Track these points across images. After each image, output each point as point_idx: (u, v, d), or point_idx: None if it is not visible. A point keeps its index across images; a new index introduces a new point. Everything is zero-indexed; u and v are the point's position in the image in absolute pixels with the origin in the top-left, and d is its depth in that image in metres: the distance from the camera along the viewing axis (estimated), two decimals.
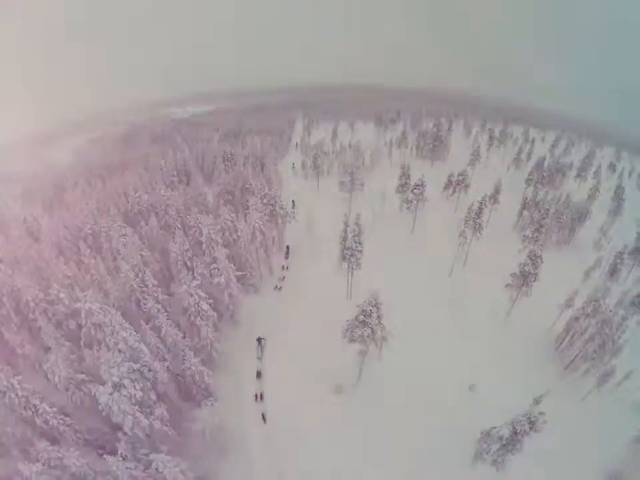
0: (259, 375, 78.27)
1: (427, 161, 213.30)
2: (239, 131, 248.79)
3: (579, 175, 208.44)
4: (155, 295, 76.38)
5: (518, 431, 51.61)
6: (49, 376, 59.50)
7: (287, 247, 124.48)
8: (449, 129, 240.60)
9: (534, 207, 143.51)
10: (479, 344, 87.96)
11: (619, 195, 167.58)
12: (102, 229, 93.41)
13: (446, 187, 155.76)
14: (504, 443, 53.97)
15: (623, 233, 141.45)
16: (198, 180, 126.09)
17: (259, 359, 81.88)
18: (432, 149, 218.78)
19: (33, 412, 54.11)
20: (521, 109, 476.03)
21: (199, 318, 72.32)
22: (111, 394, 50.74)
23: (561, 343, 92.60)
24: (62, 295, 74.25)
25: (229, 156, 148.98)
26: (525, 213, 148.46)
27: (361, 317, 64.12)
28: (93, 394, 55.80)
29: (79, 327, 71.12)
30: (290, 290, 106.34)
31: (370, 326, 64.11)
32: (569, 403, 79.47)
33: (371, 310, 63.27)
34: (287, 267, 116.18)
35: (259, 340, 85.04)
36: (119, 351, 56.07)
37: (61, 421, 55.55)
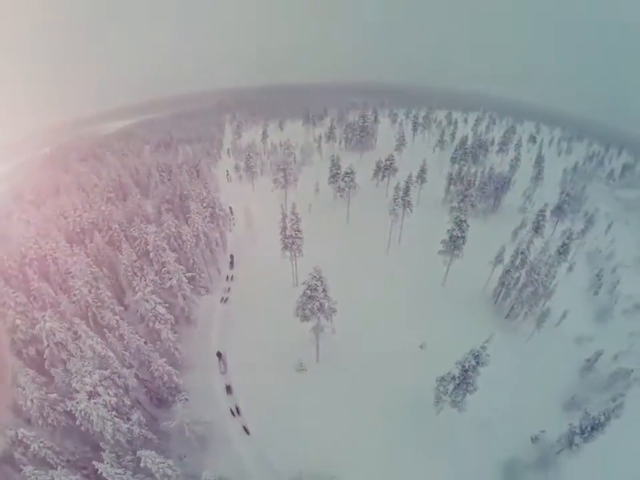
0: (228, 389, 78.90)
1: (355, 152, 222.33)
2: (169, 140, 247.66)
3: (500, 149, 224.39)
4: (111, 307, 78.58)
5: (466, 367, 59.53)
6: (19, 402, 59.21)
7: (231, 256, 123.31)
8: (375, 120, 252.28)
9: (459, 182, 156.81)
10: (422, 308, 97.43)
11: (539, 163, 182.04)
12: (47, 252, 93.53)
13: (375, 174, 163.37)
14: (457, 382, 61.84)
15: (546, 196, 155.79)
16: (135, 193, 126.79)
17: (223, 373, 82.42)
18: (359, 140, 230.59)
19: (10, 444, 54.57)
20: (443, 94, 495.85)
21: (157, 322, 75.33)
22: (89, 400, 53.12)
23: (498, 296, 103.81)
24: (18, 322, 75.09)
25: (163, 166, 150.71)
26: (452, 188, 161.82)
27: (308, 292, 70.30)
28: (69, 410, 57.73)
29: (39, 353, 72.31)
30: (239, 286, 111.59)
31: (317, 299, 70.03)
32: (516, 345, 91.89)
33: (316, 284, 69.16)
34: (232, 277, 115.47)
35: (219, 355, 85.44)
36: (85, 359, 58.57)
37: (41, 444, 54.87)
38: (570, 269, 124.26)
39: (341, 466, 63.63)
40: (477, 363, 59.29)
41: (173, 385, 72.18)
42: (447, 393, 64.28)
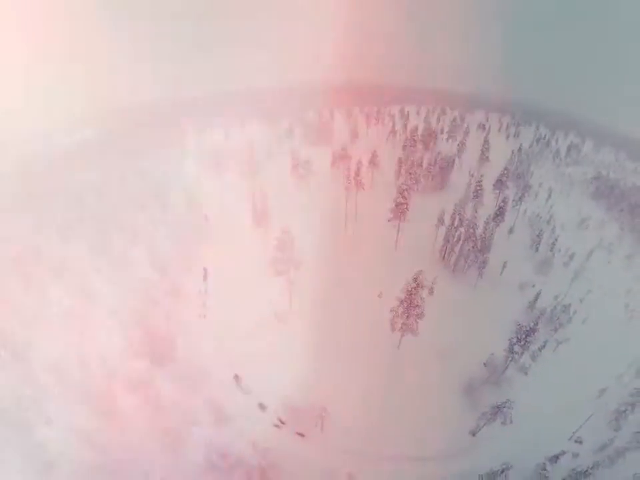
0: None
1: (313, 147, 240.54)
2: (135, 147, 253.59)
3: (449, 137, 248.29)
4: None
5: (409, 289, 77.97)
6: None
7: (205, 270, 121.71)
8: (331, 117, 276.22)
9: (409, 166, 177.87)
10: (378, 266, 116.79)
11: (485, 146, 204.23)
12: (40, 245, 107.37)
13: (332, 164, 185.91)
14: (405, 305, 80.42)
15: (491, 174, 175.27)
16: (116, 192, 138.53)
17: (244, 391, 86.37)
18: (317, 135, 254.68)
19: None
20: (397, 90, 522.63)
21: (152, 289, 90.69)
22: (108, 335, 67.38)
23: (444, 253, 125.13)
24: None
25: (136, 169, 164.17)
26: (402, 171, 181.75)
27: (280, 245, 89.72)
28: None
29: None
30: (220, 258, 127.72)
31: (287, 249, 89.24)
32: (464, 292, 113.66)
33: (284, 238, 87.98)
34: (206, 291, 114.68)
35: (236, 378, 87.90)
36: None
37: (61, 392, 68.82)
38: (511, 230, 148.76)
39: (322, 394, 79.37)
40: (417, 284, 76.95)
41: None
42: (398, 315, 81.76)
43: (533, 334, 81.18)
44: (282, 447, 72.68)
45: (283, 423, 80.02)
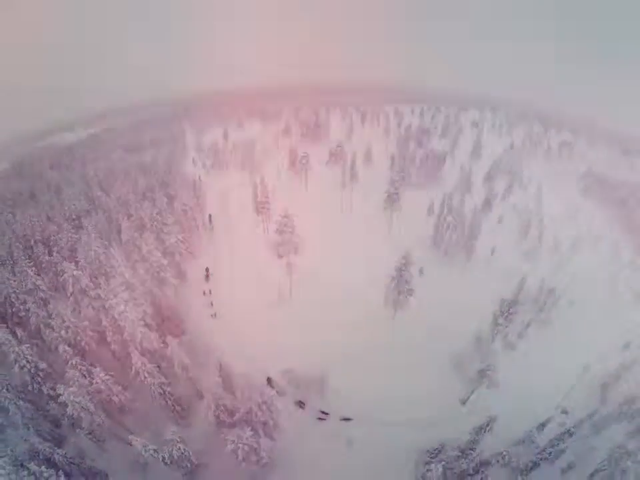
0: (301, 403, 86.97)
1: (311, 143, 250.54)
2: (135, 145, 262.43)
3: (443, 134, 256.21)
4: (122, 264, 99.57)
5: (399, 266, 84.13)
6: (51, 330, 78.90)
7: (207, 270, 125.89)
8: (327, 116, 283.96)
9: (401, 161, 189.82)
10: (373, 251, 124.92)
11: (478, 143, 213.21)
12: (51, 234, 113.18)
13: (328, 160, 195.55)
14: (396, 281, 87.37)
15: (481, 169, 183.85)
16: (121, 185, 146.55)
17: (282, 395, 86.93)
18: (314, 133, 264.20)
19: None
20: (394, 91, 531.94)
21: (161, 272, 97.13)
22: (125, 305, 74.25)
23: (434, 239, 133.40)
24: (39, 282, 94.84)
25: (139, 165, 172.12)
26: (395, 166, 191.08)
27: (280, 228, 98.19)
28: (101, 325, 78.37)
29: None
30: (222, 246, 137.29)
31: (287, 232, 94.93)
32: (454, 274, 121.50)
33: (285, 221, 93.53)
34: (210, 292, 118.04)
35: (269, 380, 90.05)
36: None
37: (78, 361, 73.14)
38: (500, 220, 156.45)
39: (322, 366, 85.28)
40: (406, 262, 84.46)
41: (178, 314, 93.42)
42: (390, 290, 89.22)
43: (515, 306, 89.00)
44: (285, 411, 79.51)
45: (303, 403, 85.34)
